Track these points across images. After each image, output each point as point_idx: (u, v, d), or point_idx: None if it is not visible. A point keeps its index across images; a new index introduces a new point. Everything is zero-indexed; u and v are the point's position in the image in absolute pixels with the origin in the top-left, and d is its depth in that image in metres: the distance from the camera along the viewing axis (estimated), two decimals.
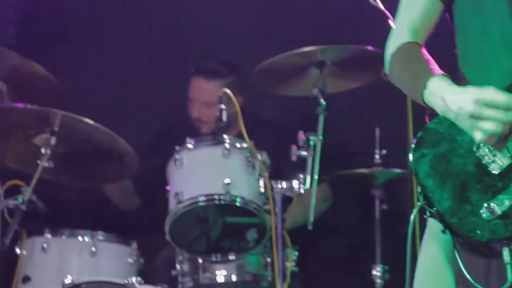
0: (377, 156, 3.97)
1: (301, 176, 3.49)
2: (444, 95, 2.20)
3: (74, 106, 3.80)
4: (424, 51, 2.36)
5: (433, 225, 2.28)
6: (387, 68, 2.40)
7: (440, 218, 2.20)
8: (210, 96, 4.01)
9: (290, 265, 3.48)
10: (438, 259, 2.32)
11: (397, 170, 3.94)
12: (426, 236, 2.37)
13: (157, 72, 4.74)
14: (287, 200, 3.54)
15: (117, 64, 4.72)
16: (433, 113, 2.27)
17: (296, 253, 3.55)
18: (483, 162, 2.21)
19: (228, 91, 3.54)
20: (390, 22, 3.37)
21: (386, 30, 3.00)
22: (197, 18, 4.73)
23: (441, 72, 2.27)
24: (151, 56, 4.74)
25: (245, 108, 4.08)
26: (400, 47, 2.37)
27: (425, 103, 2.26)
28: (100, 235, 3.63)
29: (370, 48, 3.73)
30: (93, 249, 3.57)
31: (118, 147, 3.62)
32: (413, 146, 2.25)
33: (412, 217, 2.23)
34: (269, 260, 3.52)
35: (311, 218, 3.50)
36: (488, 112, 2.14)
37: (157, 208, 3.75)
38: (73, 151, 3.66)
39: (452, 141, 2.23)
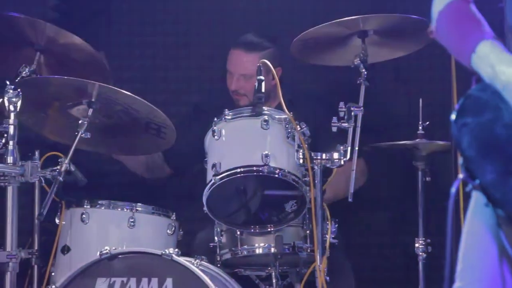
0: (420, 128, 3.89)
1: (342, 147, 3.42)
2: (494, 62, 2.11)
3: (112, 77, 3.80)
4: (474, 9, 2.25)
5: (479, 196, 2.20)
6: (433, 26, 2.31)
7: (483, 191, 2.12)
8: (248, 68, 3.97)
9: (329, 237, 3.42)
10: (483, 231, 2.24)
11: (441, 142, 3.86)
12: (471, 206, 2.29)
13: (197, 44, 4.72)
14: (326, 172, 3.47)
15: (157, 37, 4.71)
16: (480, 77, 2.18)
17: (336, 225, 3.49)
18: None
19: (266, 61, 3.48)
20: None
21: None
22: None
23: (491, 35, 2.17)
24: (190, 29, 4.72)
25: (285, 80, 4.03)
26: (448, 4, 2.27)
27: (471, 68, 2.17)
28: (139, 206, 3.63)
29: (413, 16, 3.63)
30: (132, 220, 3.57)
31: (156, 119, 3.60)
32: (454, 114, 2.16)
33: (453, 190, 2.15)
34: (308, 232, 3.47)
35: (351, 190, 3.44)
36: None
37: (196, 180, 3.73)
38: (110, 122, 3.65)
39: (496, 110, 2.12)
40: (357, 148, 3.43)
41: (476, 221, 2.26)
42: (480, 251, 2.25)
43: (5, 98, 3.27)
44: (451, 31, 2.25)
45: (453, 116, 2.16)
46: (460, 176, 2.14)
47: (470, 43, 2.16)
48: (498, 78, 2.10)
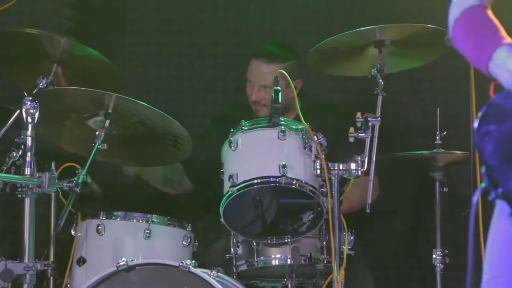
0: (437, 138, 3.87)
1: (359, 158, 3.40)
2: (511, 68, 2.09)
3: (128, 88, 3.80)
4: (491, 15, 2.22)
5: (503, 205, 2.16)
6: (450, 34, 2.28)
7: (507, 201, 2.09)
8: (269, 79, 3.94)
9: (346, 248, 3.40)
10: (508, 240, 2.21)
11: (458, 152, 3.84)
12: (495, 215, 2.26)
13: (212, 55, 4.72)
14: (343, 182, 3.46)
15: (172, 48, 4.72)
16: (499, 84, 2.15)
17: (352, 236, 3.47)
18: None
19: (284, 73, 3.47)
20: None
21: (447, 6, 2.93)
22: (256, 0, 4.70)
23: (509, 41, 2.15)
24: (205, 39, 4.72)
25: (303, 90, 4.02)
26: (464, 11, 2.24)
27: (490, 74, 2.15)
28: (155, 217, 3.62)
29: (430, 26, 3.62)
30: (148, 231, 3.56)
31: (172, 130, 3.59)
32: (477, 122, 2.13)
33: (474, 199, 2.12)
34: (325, 243, 3.46)
35: (369, 200, 3.42)
36: None
37: (212, 191, 3.72)
38: (126, 133, 3.65)
39: None
40: (374, 159, 3.41)
41: (501, 230, 2.23)
42: (506, 260, 2.22)
43: (23, 110, 3.27)
44: (468, 38, 2.23)
45: (475, 124, 2.13)
46: (482, 185, 2.11)
47: (486, 50, 2.14)
48: None
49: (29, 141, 3.27)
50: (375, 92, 3.53)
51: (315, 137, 3.41)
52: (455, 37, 2.27)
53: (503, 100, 2.13)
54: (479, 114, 2.14)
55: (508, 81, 2.10)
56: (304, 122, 3.43)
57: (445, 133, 3.88)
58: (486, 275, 2.26)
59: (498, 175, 2.09)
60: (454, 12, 2.28)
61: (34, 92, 3.50)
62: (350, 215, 3.64)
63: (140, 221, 3.61)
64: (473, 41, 2.21)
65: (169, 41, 4.73)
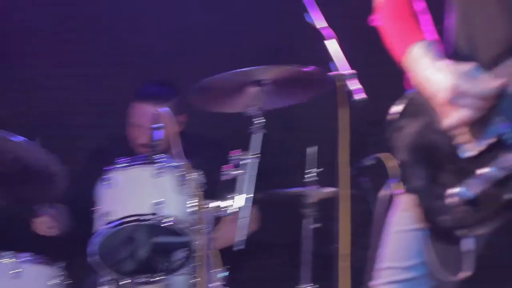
0: (309, 175, 3.96)
1: (232, 195, 3.45)
2: (423, 68, 2.06)
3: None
4: (415, 6, 2.18)
5: (406, 200, 2.16)
6: (375, 15, 2.24)
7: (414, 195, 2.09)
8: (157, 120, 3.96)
9: (218, 284, 3.44)
10: (409, 231, 2.19)
11: (329, 189, 3.94)
12: (398, 209, 2.24)
13: (96, 90, 4.72)
14: (217, 220, 3.51)
15: (52, 82, 4.70)
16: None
17: (226, 273, 3.51)
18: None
19: (163, 112, 3.51)
20: (325, 41, 3.38)
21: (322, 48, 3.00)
22: (138, 38, 4.73)
23: (423, 36, 2.11)
24: (91, 74, 4.72)
25: (188, 126, 4.05)
26: None
27: (403, 67, 2.13)
28: (24, 256, 3.55)
29: (304, 69, 3.71)
30: (16, 270, 3.49)
31: (46, 167, 3.56)
32: (393, 115, 2.12)
33: (381, 193, 2.13)
34: (197, 280, 3.48)
35: (244, 237, 3.47)
36: (463, 101, 1.98)
37: (88, 229, 3.70)
38: (3, 170, 3.60)
39: (430, 115, 2.07)
40: (247, 196, 3.45)
41: (402, 220, 2.22)
42: (406, 247, 2.22)
43: None
44: (389, 26, 2.19)
45: (391, 117, 2.13)
46: (391, 180, 2.13)
47: (405, 43, 2.11)
48: (425, 85, 2.05)
49: None
50: (249, 131, 3.59)
51: (191, 174, 3.45)
52: (381, 19, 2.22)
53: (418, 94, 2.09)
54: (397, 106, 2.13)
55: (418, 79, 2.06)
56: (185, 158, 3.46)
57: (316, 170, 3.97)
58: (382, 264, 2.25)
59: (407, 171, 2.08)
60: None
61: None
62: (223, 251, 3.68)
63: (8, 260, 3.53)
64: (393, 31, 2.16)
65: (49, 75, 4.70)
